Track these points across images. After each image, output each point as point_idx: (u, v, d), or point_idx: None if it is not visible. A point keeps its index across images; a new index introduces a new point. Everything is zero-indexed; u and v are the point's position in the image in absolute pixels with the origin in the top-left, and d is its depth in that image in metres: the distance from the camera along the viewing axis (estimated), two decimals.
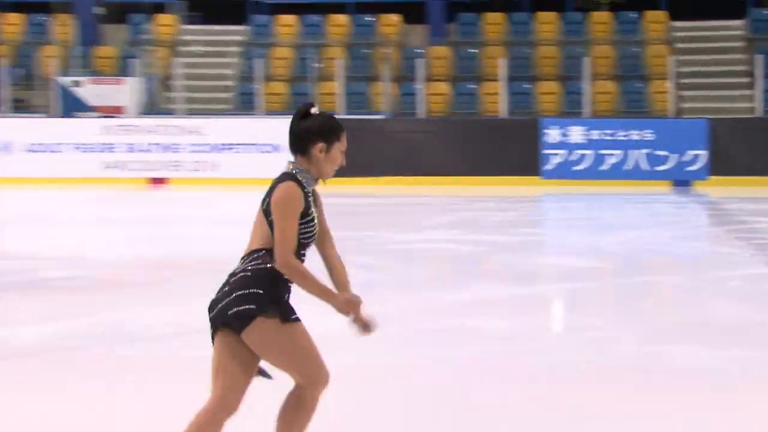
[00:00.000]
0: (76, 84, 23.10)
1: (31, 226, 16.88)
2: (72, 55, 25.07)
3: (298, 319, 4.61)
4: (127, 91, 23.24)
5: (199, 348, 8.01)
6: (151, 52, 25.22)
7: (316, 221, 4.68)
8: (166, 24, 26.99)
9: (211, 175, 21.90)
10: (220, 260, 12.44)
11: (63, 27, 25.98)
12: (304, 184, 4.61)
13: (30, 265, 12.35)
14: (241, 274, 4.58)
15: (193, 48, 26.25)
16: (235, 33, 26.91)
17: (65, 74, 23.72)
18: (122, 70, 24.57)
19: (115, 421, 6.25)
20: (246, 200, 19.68)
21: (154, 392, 6.87)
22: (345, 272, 4.81)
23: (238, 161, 21.84)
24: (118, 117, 22.62)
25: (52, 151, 21.79)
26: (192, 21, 27.48)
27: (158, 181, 22.07)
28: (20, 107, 23.93)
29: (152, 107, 24.21)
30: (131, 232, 15.86)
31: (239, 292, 4.53)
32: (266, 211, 4.57)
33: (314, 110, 4.72)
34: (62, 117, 22.78)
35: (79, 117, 22.37)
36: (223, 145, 21.95)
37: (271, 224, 4.56)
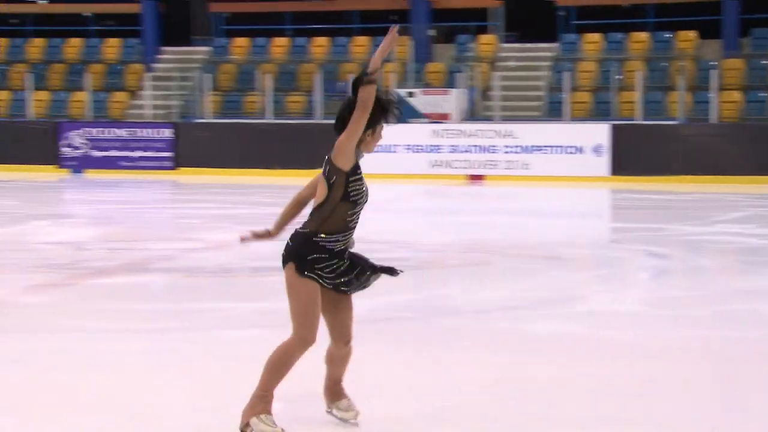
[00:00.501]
0: (411, 95, 23.64)
1: (369, 215, 17.40)
2: (408, 70, 25.70)
3: (315, 279, 4.89)
4: (452, 100, 23.56)
5: (522, 321, 8.12)
6: (473, 67, 25.48)
7: (364, 183, 4.91)
8: (487, 43, 27.22)
9: (523, 173, 21.92)
10: (528, 245, 12.55)
11: (401, 47, 26.69)
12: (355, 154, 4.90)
13: (369, 247, 12.71)
14: (294, 230, 4.99)
15: (509, 63, 26.30)
16: (547, 50, 26.75)
17: (401, 86, 24.33)
18: (449, 82, 24.94)
19: (457, 384, 6.30)
20: (554, 195, 19.73)
21: (483, 361, 6.87)
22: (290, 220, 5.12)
23: (546, 161, 21.78)
24: (444, 123, 23.00)
25: (388, 152, 22.44)
26: (509, 40, 27.57)
27: (476, 177, 22.27)
28: None
29: (473, 114, 24.46)
30: (453, 220, 16.08)
31: (288, 242, 4.99)
32: (327, 175, 4.89)
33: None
34: (397, 123, 23.39)
35: (412, 123, 22.89)
36: (533, 146, 21.93)
37: (331, 186, 4.85)
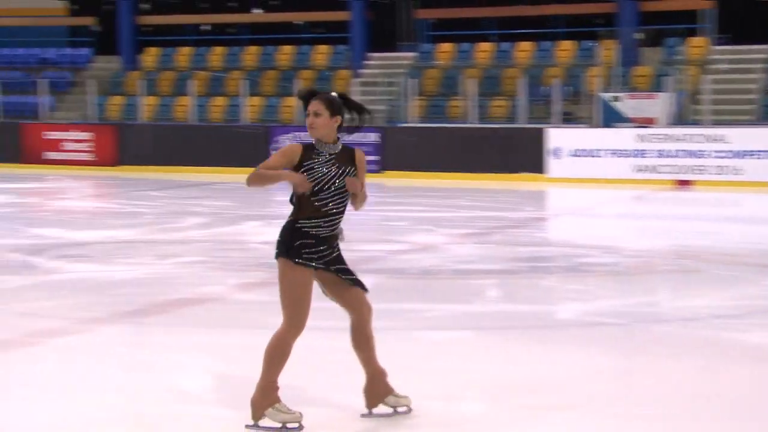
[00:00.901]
0: (616, 99, 23.19)
1: (573, 219, 17.24)
2: (613, 74, 25.22)
3: (307, 266, 5.15)
4: (659, 104, 22.95)
5: (732, 330, 7.87)
6: (682, 71, 24.76)
7: (320, 170, 5.14)
8: (697, 45, 26.39)
9: (734, 179, 21.10)
10: (740, 253, 12.10)
11: (607, 51, 26.24)
12: (316, 147, 5.18)
13: (571, 251, 12.60)
14: (284, 223, 5.29)
15: (721, 66, 25.40)
16: (761, 51, 25.67)
17: (606, 90, 23.90)
18: (656, 86, 24.32)
19: (665, 392, 6.19)
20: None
21: (690, 369, 6.71)
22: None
23: (760, 166, 20.90)
24: (651, 127, 22.43)
25: (592, 156, 22.10)
26: (721, 42, 26.63)
27: (684, 183, 21.61)
28: (568, 119, 24.50)
29: (680, 118, 23.75)
30: (660, 226, 15.69)
31: (277, 238, 5.28)
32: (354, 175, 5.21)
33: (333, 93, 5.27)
34: (602, 127, 23.00)
35: (617, 127, 22.45)
36: (745, 151, 21.08)
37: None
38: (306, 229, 5.21)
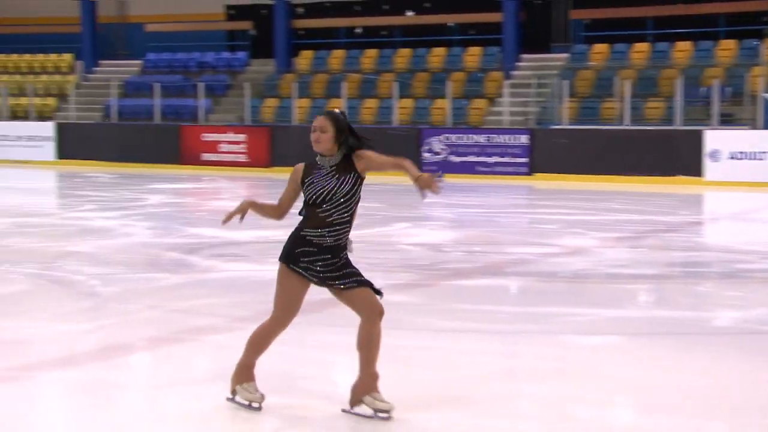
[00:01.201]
0: None
1: (731, 224, 16.72)
2: None
3: (297, 271, 5.54)
4: None
5: None
6: None
7: (317, 186, 5.52)
8: None
9: None
10: None
11: None
12: (318, 162, 5.59)
13: (728, 257, 12.23)
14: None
15: None
16: None
17: None
18: None
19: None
20: None
21: None
22: None
23: None
24: None
25: (753, 159, 21.39)
26: None
27: None
28: (727, 120, 23.76)
29: None
30: None
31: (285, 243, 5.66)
32: (356, 184, 5.55)
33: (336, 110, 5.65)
34: (765, 129, 22.25)
35: None
36: None
37: (357, 197, 5.57)
38: (310, 238, 5.56)
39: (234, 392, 5.77)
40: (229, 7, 35.23)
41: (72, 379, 6.49)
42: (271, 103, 29.28)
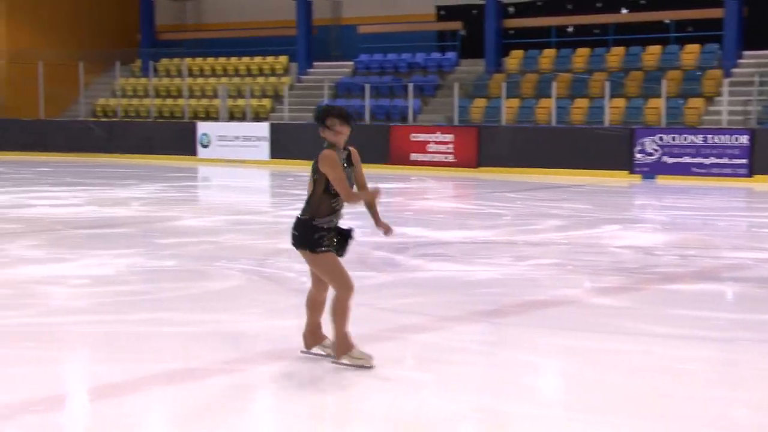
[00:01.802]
0: None
1: None
2: None
3: (328, 250, 6.45)
4: None
5: None
6: None
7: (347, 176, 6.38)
8: None
9: None
10: None
11: None
12: (336, 151, 6.40)
13: None
14: (295, 219, 6.61)
15: None
16: None
17: None
18: None
19: None
20: None
21: None
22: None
23: None
24: None
25: None
26: None
27: None
28: None
29: None
30: None
31: (293, 231, 6.58)
32: (313, 171, 6.45)
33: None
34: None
35: None
36: None
37: (315, 181, 6.45)
38: (320, 225, 6.48)
39: (339, 360, 6.63)
40: (440, 8, 35.53)
41: (283, 373, 6.71)
42: (480, 103, 29.34)
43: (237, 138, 30.64)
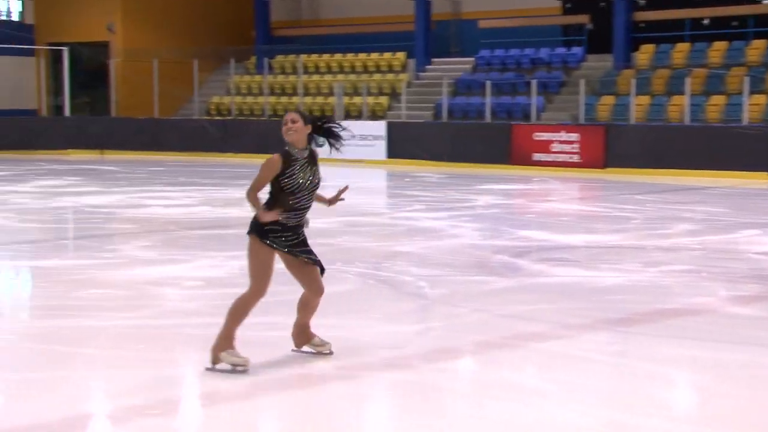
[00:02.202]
0: None
1: None
2: None
3: (272, 248, 6.65)
4: None
5: None
6: None
7: (300, 176, 6.65)
8: None
9: None
10: None
11: None
12: (291, 153, 6.70)
13: None
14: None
15: None
16: None
17: None
18: None
19: None
20: None
21: None
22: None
23: None
24: None
25: None
26: None
27: None
28: None
29: None
30: None
31: (252, 220, 6.72)
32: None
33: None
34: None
35: None
36: None
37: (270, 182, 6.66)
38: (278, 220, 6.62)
39: (216, 361, 6.70)
40: (566, 1, 35.20)
41: (399, 380, 6.76)
42: (608, 100, 28.96)
43: (353, 137, 30.87)
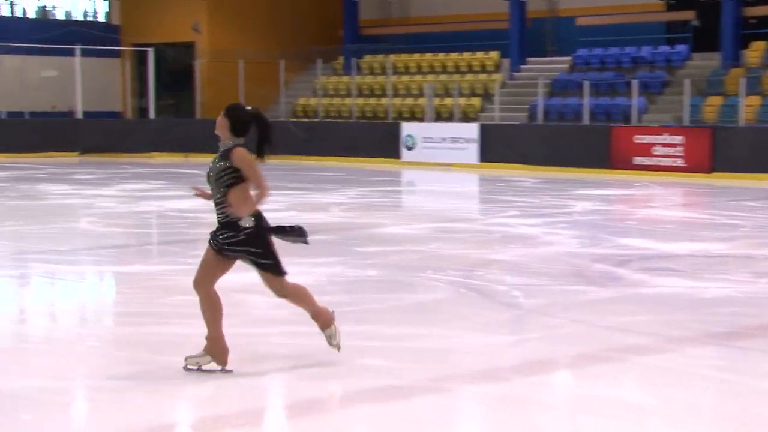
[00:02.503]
0: None
1: None
2: None
3: (210, 245, 6.99)
4: None
5: None
6: None
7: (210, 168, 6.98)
8: None
9: None
10: None
11: None
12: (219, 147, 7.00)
13: None
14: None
15: None
16: None
17: None
18: None
19: None
20: None
21: None
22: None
23: None
24: None
25: None
26: None
27: None
28: None
29: None
30: None
31: None
32: (225, 171, 6.87)
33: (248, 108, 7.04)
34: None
35: None
36: None
37: (226, 182, 6.85)
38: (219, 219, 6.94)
39: (197, 363, 6.95)
40: None
41: (492, 393, 6.75)
42: (715, 101, 28.52)
43: (444, 140, 30.91)
